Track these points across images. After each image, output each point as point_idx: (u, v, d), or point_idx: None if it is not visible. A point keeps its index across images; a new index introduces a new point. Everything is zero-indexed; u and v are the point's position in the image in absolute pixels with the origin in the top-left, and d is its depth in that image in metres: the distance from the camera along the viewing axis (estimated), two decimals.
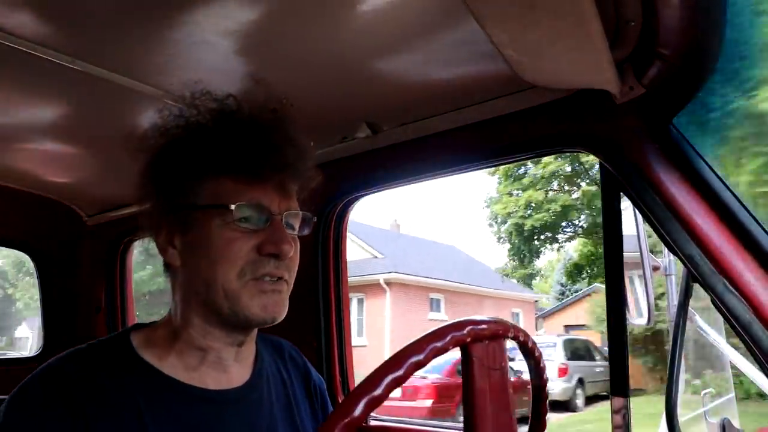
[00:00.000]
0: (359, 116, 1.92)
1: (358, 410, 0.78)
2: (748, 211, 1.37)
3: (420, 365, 0.83)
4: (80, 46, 1.48)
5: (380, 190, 2.24)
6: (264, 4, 1.33)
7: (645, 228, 1.73)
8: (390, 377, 0.81)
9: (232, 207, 1.13)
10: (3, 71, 1.59)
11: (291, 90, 1.71)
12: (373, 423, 2.21)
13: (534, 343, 1.05)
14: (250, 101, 1.22)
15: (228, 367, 1.23)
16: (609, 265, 1.64)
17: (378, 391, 0.79)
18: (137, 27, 1.40)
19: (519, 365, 10.26)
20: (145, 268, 17.18)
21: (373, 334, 23.12)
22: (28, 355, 3.10)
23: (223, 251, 1.13)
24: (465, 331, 0.89)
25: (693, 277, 1.41)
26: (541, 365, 1.09)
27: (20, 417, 1.04)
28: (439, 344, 0.85)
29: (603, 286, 2.30)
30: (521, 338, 1.00)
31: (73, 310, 3.08)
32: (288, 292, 1.21)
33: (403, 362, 0.82)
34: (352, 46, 1.49)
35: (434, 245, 32.47)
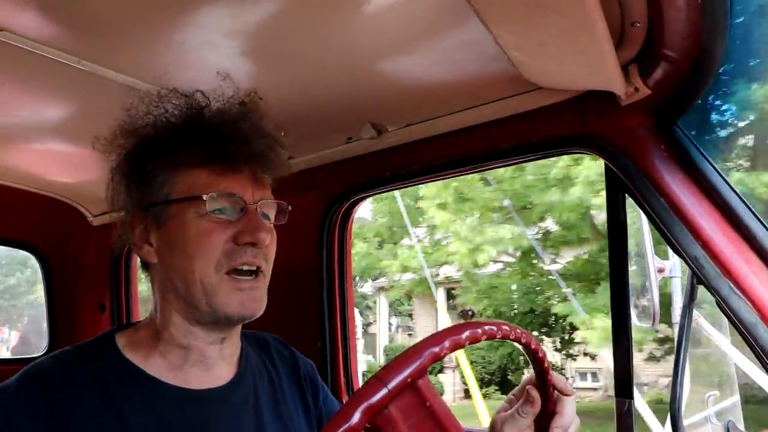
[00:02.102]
0: (364, 117, 1.92)
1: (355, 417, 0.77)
2: (754, 213, 1.37)
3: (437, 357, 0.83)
4: (86, 47, 1.49)
5: (385, 191, 2.25)
6: (269, 5, 1.33)
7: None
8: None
9: (205, 197, 1.13)
10: (9, 71, 1.60)
11: (296, 91, 1.72)
12: None
13: (520, 332, 1.00)
14: (218, 96, 1.24)
15: (212, 366, 1.23)
16: (613, 266, 1.63)
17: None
18: (143, 28, 1.40)
19: None
20: None
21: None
22: (33, 355, 3.11)
23: (198, 243, 1.13)
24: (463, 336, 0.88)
25: (698, 278, 1.41)
26: (534, 346, 1.06)
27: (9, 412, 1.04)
28: (436, 349, 0.84)
29: None
30: (500, 335, 0.96)
31: (77, 310, 3.09)
32: (266, 285, 1.21)
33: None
34: (357, 48, 1.50)
35: None
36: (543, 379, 1.13)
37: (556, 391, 1.16)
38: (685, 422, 1.73)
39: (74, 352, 1.17)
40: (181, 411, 1.15)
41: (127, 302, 3.06)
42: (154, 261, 1.19)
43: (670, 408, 1.63)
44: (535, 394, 1.16)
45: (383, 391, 0.79)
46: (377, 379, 0.80)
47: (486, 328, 0.92)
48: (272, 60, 1.56)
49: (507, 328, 0.97)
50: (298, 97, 1.77)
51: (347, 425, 0.76)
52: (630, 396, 1.59)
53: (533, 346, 1.04)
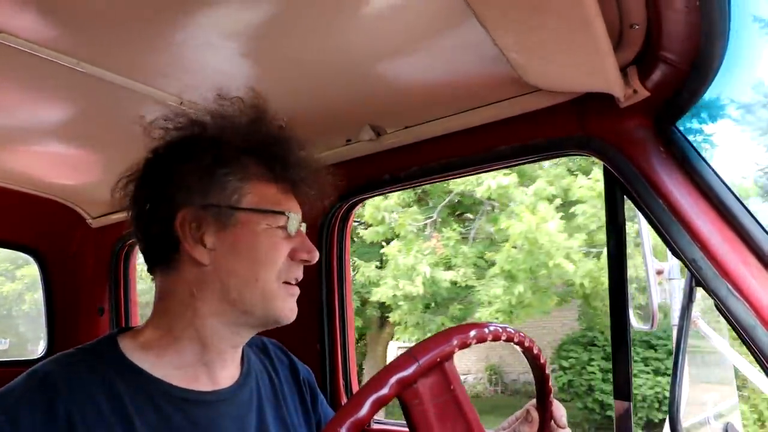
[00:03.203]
0: (363, 119, 1.92)
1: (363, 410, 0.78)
2: (752, 215, 1.37)
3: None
4: (85, 49, 1.49)
5: (384, 193, 2.25)
6: (268, 7, 1.33)
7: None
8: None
9: (288, 214, 1.21)
10: (8, 73, 1.60)
11: (295, 93, 1.72)
12: (375, 426, 2.21)
13: (523, 336, 1.03)
14: (264, 114, 1.28)
15: (223, 368, 1.24)
16: (612, 268, 1.64)
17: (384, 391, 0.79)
18: (142, 29, 1.40)
19: None
20: None
21: None
22: (32, 358, 3.10)
23: (267, 254, 1.19)
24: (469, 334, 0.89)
25: (696, 280, 1.41)
26: (536, 352, 1.08)
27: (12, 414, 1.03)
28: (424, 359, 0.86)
29: None
30: (504, 337, 0.98)
31: (76, 312, 3.08)
32: None
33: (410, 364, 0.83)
34: (356, 50, 1.50)
35: None
36: (543, 388, 1.15)
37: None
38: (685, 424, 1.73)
39: (77, 354, 1.16)
40: (187, 412, 1.15)
41: (126, 305, 3.06)
42: (205, 262, 1.18)
43: (669, 410, 1.63)
44: (534, 414, 1.21)
45: (414, 366, 0.83)
46: (409, 354, 0.85)
47: (499, 329, 0.97)
48: (271, 62, 1.56)
49: (513, 331, 1.00)
50: (297, 99, 1.77)
51: (378, 394, 0.80)
52: (629, 399, 1.59)
53: (535, 352, 1.06)
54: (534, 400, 1.22)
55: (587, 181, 9.70)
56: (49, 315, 3.07)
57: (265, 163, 1.22)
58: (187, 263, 1.19)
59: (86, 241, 3.08)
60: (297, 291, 1.24)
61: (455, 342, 0.88)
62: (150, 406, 1.12)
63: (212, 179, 1.18)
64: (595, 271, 9.75)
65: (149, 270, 1.27)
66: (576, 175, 10.22)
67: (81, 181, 2.64)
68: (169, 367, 1.18)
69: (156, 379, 1.15)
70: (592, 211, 9.42)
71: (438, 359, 0.86)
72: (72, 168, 2.46)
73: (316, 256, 1.24)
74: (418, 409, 0.85)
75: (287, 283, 1.22)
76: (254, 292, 1.18)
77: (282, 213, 1.20)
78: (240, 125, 1.23)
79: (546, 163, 10.22)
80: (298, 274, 1.24)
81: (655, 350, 13.04)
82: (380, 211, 10.59)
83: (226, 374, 1.25)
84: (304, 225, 1.28)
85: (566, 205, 9.88)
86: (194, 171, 1.17)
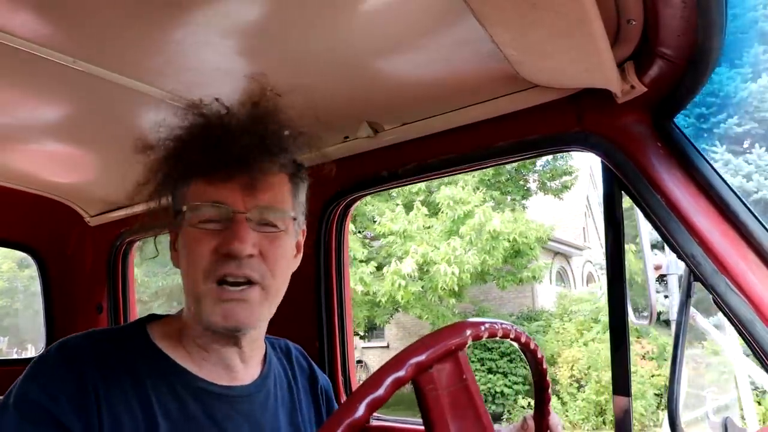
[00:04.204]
0: (361, 116, 1.92)
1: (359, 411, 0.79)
2: (750, 210, 1.37)
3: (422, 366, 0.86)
4: (82, 47, 1.48)
5: (382, 190, 2.25)
6: (265, 5, 1.33)
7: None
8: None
9: (184, 208, 1.16)
10: (5, 71, 1.59)
11: (292, 90, 1.72)
12: (374, 423, 2.21)
13: (528, 337, 1.05)
14: (238, 99, 1.25)
15: (233, 366, 1.24)
16: (611, 264, 1.64)
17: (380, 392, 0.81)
18: (139, 28, 1.40)
19: None
20: None
21: None
22: (31, 356, 3.11)
23: (189, 253, 1.15)
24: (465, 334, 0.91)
25: (695, 275, 1.41)
26: (539, 356, 1.09)
27: (34, 389, 1.05)
28: (422, 358, 0.88)
29: None
30: (512, 335, 1.01)
31: (75, 310, 3.08)
32: (264, 296, 1.16)
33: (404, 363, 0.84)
34: (353, 46, 1.49)
35: None
36: (541, 396, 1.17)
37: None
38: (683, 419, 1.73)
39: (107, 332, 1.21)
40: (204, 404, 1.16)
41: (125, 302, 3.06)
42: (177, 264, 1.22)
43: (668, 405, 1.63)
44: (531, 423, 1.21)
45: (430, 350, 0.86)
46: (425, 341, 0.88)
47: (508, 327, 1.00)
48: (268, 59, 1.56)
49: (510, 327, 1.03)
50: (294, 97, 1.76)
51: (396, 375, 0.82)
52: (628, 394, 1.59)
53: (532, 347, 1.08)
54: (531, 411, 1.24)
55: None
56: (47, 313, 3.07)
57: (198, 157, 1.15)
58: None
59: (84, 239, 3.08)
60: (232, 294, 1.13)
61: (468, 333, 0.91)
62: (170, 393, 1.13)
63: (166, 186, 1.20)
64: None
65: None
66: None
67: (79, 180, 2.64)
68: (187, 357, 1.19)
69: (180, 367, 1.17)
70: None
71: (453, 347, 0.89)
72: (69, 166, 2.46)
73: (237, 249, 1.10)
74: (432, 395, 0.88)
75: (221, 283, 1.12)
76: (189, 294, 1.16)
77: (201, 205, 1.13)
78: (184, 127, 1.20)
79: None
80: (230, 270, 1.11)
81: (491, 352, 14.57)
82: None
83: (243, 373, 1.25)
84: (266, 209, 1.16)
85: None
86: (161, 186, 1.22)
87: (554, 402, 13.39)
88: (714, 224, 1.39)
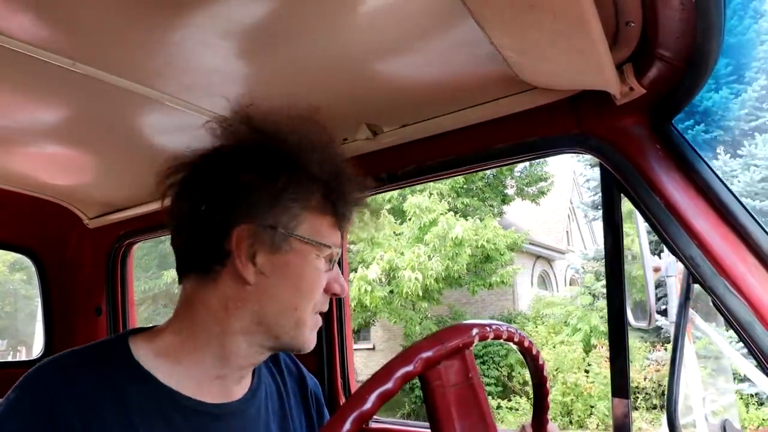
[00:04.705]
0: (360, 118, 1.92)
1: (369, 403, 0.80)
2: (749, 212, 1.37)
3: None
4: (80, 49, 1.48)
5: (380, 192, 2.25)
6: (265, 6, 1.33)
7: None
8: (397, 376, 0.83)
9: (334, 250, 1.20)
10: (3, 74, 1.59)
11: (291, 92, 1.72)
12: (374, 425, 2.20)
13: (530, 342, 1.07)
14: (334, 139, 1.27)
15: (237, 383, 1.22)
16: (610, 266, 1.64)
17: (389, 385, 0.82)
18: (137, 29, 1.40)
19: None
20: None
21: None
22: (30, 359, 3.10)
23: (310, 284, 1.17)
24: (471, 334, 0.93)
25: (694, 278, 1.41)
26: (540, 363, 1.11)
27: (9, 424, 1.01)
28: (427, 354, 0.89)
29: None
30: (516, 339, 1.02)
31: (74, 313, 3.08)
32: None
33: (413, 358, 0.86)
34: (352, 48, 1.50)
35: None
36: (540, 404, 1.18)
37: None
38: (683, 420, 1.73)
39: (82, 354, 1.13)
40: (196, 424, 1.13)
41: (123, 305, 3.06)
42: (250, 281, 1.13)
43: (667, 407, 1.63)
44: (529, 431, 1.23)
45: (439, 346, 0.89)
46: (435, 337, 0.90)
47: (512, 331, 1.03)
48: (267, 61, 1.56)
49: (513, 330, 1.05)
50: (293, 99, 1.76)
51: (405, 369, 0.84)
52: (627, 396, 1.59)
53: (534, 352, 1.09)
54: (529, 420, 1.25)
55: None
56: (46, 315, 3.07)
57: (328, 196, 1.18)
58: (229, 277, 1.14)
59: (83, 242, 3.08)
60: (320, 322, 1.23)
61: (475, 332, 0.93)
62: (158, 415, 1.09)
63: (279, 201, 1.13)
64: None
65: (179, 272, 1.21)
66: None
67: (77, 182, 2.63)
68: (183, 376, 1.15)
69: (167, 387, 1.12)
70: None
71: (461, 344, 0.91)
72: (68, 168, 2.46)
73: (344, 292, 1.24)
74: (439, 391, 0.89)
75: (316, 312, 1.21)
76: (289, 319, 1.16)
77: (330, 247, 1.19)
78: (315, 149, 1.17)
79: None
80: (326, 305, 1.23)
81: None
82: None
83: (236, 387, 1.23)
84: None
85: None
86: (264, 189, 1.13)
87: (523, 402, 13.89)
88: (713, 226, 1.39)
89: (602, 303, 14.97)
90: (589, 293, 15.63)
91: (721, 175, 1.41)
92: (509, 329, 1.01)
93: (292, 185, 1.14)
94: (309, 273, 1.17)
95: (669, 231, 1.43)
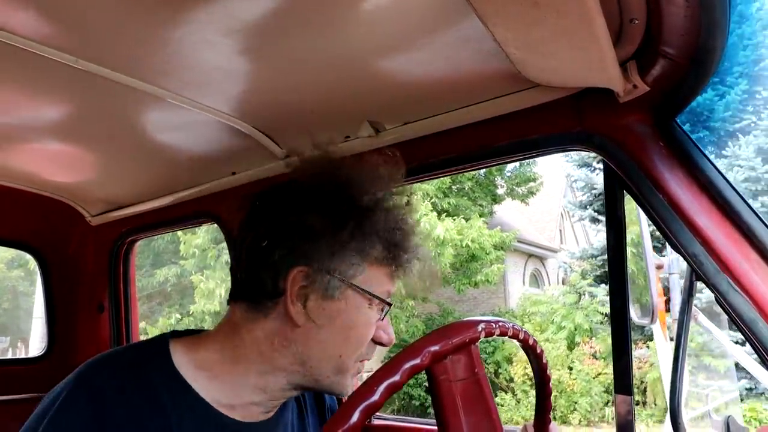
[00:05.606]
0: (362, 115, 1.91)
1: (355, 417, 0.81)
2: (752, 209, 1.37)
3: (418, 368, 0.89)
4: (83, 46, 1.48)
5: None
6: (266, 3, 1.33)
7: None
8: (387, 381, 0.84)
9: (391, 302, 1.18)
10: (6, 71, 1.59)
11: (293, 89, 1.72)
12: (377, 422, 2.21)
13: (535, 341, 1.07)
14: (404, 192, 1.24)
15: (269, 408, 1.23)
16: (612, 264, 1.64)
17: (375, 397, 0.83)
18: (140, 26, 1.40)
19: None
20: None
21: None
22: (32, 356, 3.11)
23: (359, 335, 1.15)
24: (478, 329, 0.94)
25: (697, 275, 1.41)
26: (544, 361, 1.12)
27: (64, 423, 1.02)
28: (435, 348, 0.92)
29: None
30: (521, 336, 1.03)
31: (76, 310, 3.08)
32: None
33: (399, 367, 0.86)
34: (354, 45, 1.49)
35: None
36: (543, 404, 1.19)
37: None
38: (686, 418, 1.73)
39: (127, 358, 1.14)
40: None
41: (126, 302, 3.06)
42: (299, 323, 1.13)
43: (670, 404, 1.63)
44: (531, 430, 1.24)
45: (445, 341, 0.91)
46: (442, 331, 0.93)
47: (517, 328, 1.06)
48: (270, 58, 1.56)
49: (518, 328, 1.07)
50: (296, 96, 1.76)
51: (412, 362, 0.86)
52: (630, 393, 1.59)
53: (538, 351, 1.10)
54: (531, 420, 1.25)
55: None
56: (49, 312, 3.07)
57: (388, 247, 1.17)
58: (278, 315, 1.14)
59: (86, 239, 3.08)
60: (363, 369, 1.21)
61: (481, 328, 0.95)
62: (193, 426, 1.10)
63: (341, 250, 1.13)
64: None
65: (232, 297, 1.21)
66: None
67: (80, 179, 2.64)
68: (219, 392, 1.15)
69: (204, 401, 1.13)
70: None
71: (467, 339, 0.93)
72: (71, 166, 2.46)
73: (393, 341, 1.21)
74: (445, 385, 0.91)
75: (360, 360, 1.19)
76: (331, 365, 1.15)
77: (387, 303, 1.17)
78: (384, 203, 1.17)
79: None
80: (373, 354, 1.21)
81: None
82: (192, 248, 14.36)
83: (269, 413, 1.24)
84: None
85: None
86: (328, 234, 1.12)
87: (508, 399, 14.18)
88: (716, 224, 1.39)
89: (587, 301, 15.41)
90: (575, 292, 15.85)
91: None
92: (514, 327, 1.02)
93: (357, 237, 1.13)
94: (359, 323, 1.15)
95: (672, 228, 1.43)
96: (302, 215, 1.13)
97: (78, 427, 1.02)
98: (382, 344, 1.20)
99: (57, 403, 1.04)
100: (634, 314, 1.70)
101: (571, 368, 14.18)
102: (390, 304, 1.19)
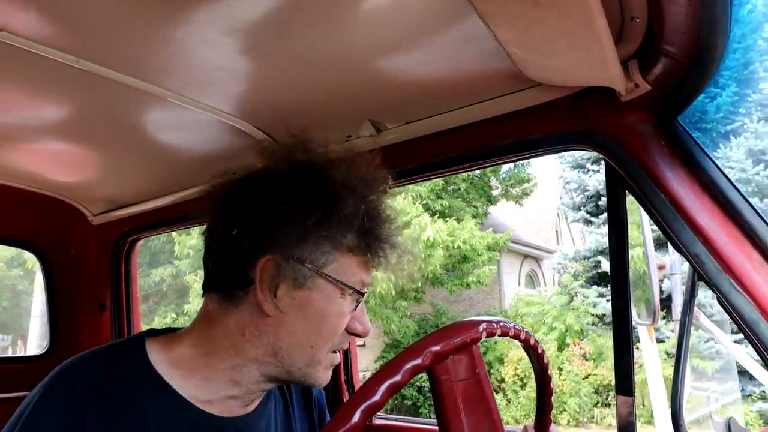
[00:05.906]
0: (363, 115, 1.91)
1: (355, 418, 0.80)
2: (754, 209, 1.36)
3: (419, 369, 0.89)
4: (84, 46, 1.48)
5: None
6: (267, 2, 1.33)
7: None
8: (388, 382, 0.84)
9: (364, 291, 1.16)
10: (8, 71, 1.59)
11: (295, 89, 1.72)
12: (377, 422, 2.21)
13: (536, 341, 1.07)
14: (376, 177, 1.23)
15: (247, 402, 1.22)
16: (614, 264, 1.63)
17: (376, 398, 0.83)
18: (141, 26, 1.40)
19: None
20: None
21: None
22: (34, 354, 3.11)
23: (330, 325, 1.14)
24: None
25: (699, 275, 1.41)
26: (545, 362, 1.11)
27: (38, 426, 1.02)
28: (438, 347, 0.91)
29: None
30: (522, 337, 1.03)
31: (78, 309, 3.09)
32: None
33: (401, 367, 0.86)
34: (356, 45, 1.49)
35: None
36: (543, 405, 1.19)
37: None
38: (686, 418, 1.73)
39: (103, 358, 1.13)
40: None
41: (128, 301, 3.06)
42: (269, 313, 1.11)
43: (671, 405, 1.62)
44: (531, 431, 1.22)
45: (447, 341, 0.91)
46: (443, 332, 0.93)
47: (518, 328, 1.05)
48: (271, 57, 1.56)
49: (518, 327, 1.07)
50: (297, 96, 1.76)
51: (414, 362, 0.86)
52: (631, 394, 1.58)
53: (539, 351, 1.11)
54: (531, 420, 1.25)
55: None
56: (51, 311, 3.07)
57: (360, 236, 1.15)
58: (249, 305, 1.13)
59: (87, 238, 3.08)
60: (338, 359, 1.19)
61: (483, 328, 0.95)
62: (172, 424, 1.09)
63: (309, 237, 1.11)
64: None
65: (204, 287, 1.20)
66: None
67: (81, 178, 2.64)
68: (196, 389, 1.15)
69: (179, 396, 1.12)
70: None
71: (469, 339, 0.93)
72: (72, 165, 2.46)
73: (369, 332, 1.20)
74: (447, 385, 0.91)
75: (333, 351, 1.18)
76: (303, 355, 1.13)
77: (360, 292, 1.16)
78: (357, 188, 1.16)
79: None
80: (346, 344, 1.20)
81: None
82: (186, 248, 14.51)
83: (249, 406, 1.23)
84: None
85: None
86: (297, 222, 1.11)
87: (499, 399, 14.33)
88: (718, 223, 1.38)
89: (578, 303, 15.50)
90: (567, 293, 15.91)
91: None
92: (516, 327, 1.02)
93: (325, 223, 1.11)
94: (331, 313, 1.13)
95: (674, 228, 1.42)
96: (271, 202, 1.11)
97: (54, 428, 1.01)
98: (357, 335, 1.18)
99: (32, 404, 1.04)
100: (635, 315, 1.70)
101: (561, 369, 14.30)
102: (362, 294, 1.16)
